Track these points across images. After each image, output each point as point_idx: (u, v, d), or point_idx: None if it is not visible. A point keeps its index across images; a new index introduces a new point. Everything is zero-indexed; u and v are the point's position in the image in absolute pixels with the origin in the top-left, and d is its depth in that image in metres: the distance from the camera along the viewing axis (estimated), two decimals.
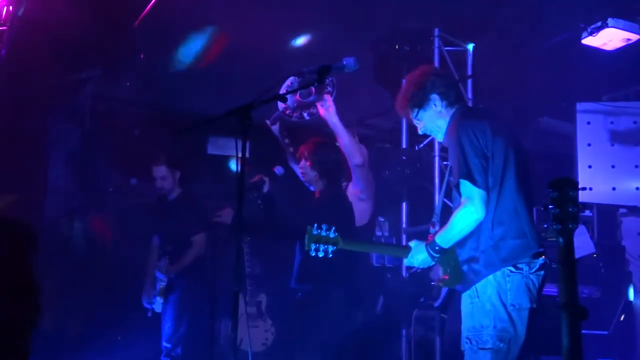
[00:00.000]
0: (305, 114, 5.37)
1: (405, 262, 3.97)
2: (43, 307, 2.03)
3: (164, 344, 6.57)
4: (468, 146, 3.63)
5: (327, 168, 5.31)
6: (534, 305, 3.61)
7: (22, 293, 1.95)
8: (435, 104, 3.93)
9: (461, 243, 3.74)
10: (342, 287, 5.06)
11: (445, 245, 3.75)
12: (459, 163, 3.64)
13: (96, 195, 8.12)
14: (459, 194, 3.68)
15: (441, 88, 3.94)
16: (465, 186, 3.61)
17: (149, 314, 6.75)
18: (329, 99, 5.23)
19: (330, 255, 3.90)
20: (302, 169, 5.34)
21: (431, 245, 3.79)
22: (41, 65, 6.85)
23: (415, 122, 4.06)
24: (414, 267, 3.99)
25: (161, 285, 6.58)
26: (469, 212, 3.60)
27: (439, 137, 4.01)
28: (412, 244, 3.91)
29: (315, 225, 3.87)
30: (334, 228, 3.89)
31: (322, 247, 3.86)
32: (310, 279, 5.13)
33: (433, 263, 3.89)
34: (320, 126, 5.52)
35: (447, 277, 3.85)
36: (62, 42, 6.66)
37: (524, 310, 3.59)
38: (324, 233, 3.87)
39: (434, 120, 3.97)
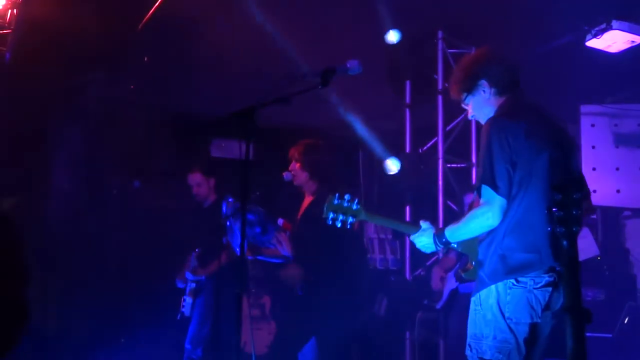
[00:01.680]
0: None
1: (410, 237, 3.90)
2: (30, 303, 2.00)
3: (186, 345, 6.61)
4: (497, 150, 3.49)
5: (319, 168, 5.27)
6: (537, 321, 3.48)
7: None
8: (484, 90, 3.78)
9: (479, 244, 3.67)
10: (334, 288, 5.05)
11: (452, 240, 3.70)
12: (484, 166, 3.52)
13: (99, 197, 8.13)
14: (479, 196, 3.57)
15: (493, 74, 3.78)
16: (486, 191, 3.50)
17: (178, 317, 6.79)
18: None
19: (349, 227, 3.86)
20: (293, 171, 5.28)
21: (439, 235, 3.73)
22: (45, 68, 6.86)
23: (463, 106, 3.92)
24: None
25: (191, 286, 6.66)
26: (485, 216, 3.50)
27: None
28: (423, 225, 3.82)
29: (337, 194, 3.84)
30: (357, 200, 3.85)
31: (340, 217, 3.82)
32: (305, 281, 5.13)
33: (434, 250, 3.82)
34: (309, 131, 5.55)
35: (471, 267, 3.79)
36: (66, 45, 6.67)
37: (523, 325, 3.47)
38: (345, 204, 3.83)
39: (481, 107, 3.82)
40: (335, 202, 3.84)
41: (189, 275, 6.68)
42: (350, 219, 3.84)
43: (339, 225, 3.84)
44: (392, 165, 7.65)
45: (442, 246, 3.76)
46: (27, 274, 2.00)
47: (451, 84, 3.96)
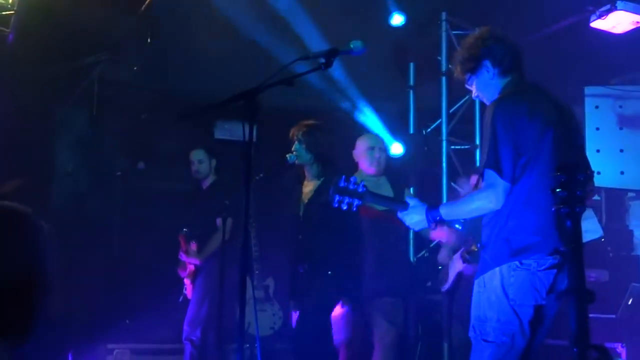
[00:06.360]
0: None
1: (399, 214, 3.81)
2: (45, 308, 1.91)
3: (185, 326, 6.63)
4: (501, 133, 3.43)
5: (321, 149, 5.23)
6: (542, 303, 3.44)
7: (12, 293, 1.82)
8: (487, 71, 3.73)
9: (482, 228, 3.63)
10: (339, 265, 5.06)
11: (447, 218, 3.64)
12: (488, 150, 3.47)
13: (103, 179, 8.14)
14: (483, 179, 3.51)
15: (496, 54, 3.72)
16: (490, 175, 3.44)
17: (180, 299, 6.82)
18: None
19: (355, 209, 3.79)
20: (296, 151, 5.22)
21: (432, 212, 3.66)
22: (48, 50, 6.85)
23: (467, 86, 3.87)
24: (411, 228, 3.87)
25: (190, 269, 6.72)
26: (488, 199, 3.46)
27: None
28: (411, 202, 3.77)
29: (343, 177, 3.77)
30: (363, 182, 3.80)
31: (347, 200, 3.75)
32: (308, 258, 5.14)
33: (425, 227, 3.77)
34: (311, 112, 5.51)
35: (475, 249, 3.75)
36: (69, 27, 6.66)
37: (527, 307, 3.43)
38: (351, 186, 3.76)
39: (484, 88, 3.77)
40: (342, 184, 3.76)
41: (182, 257, 6.73)
42: (356, 202, 3.78)
43: (344, 208, 3.76)
44: (397, 148, 7.66)
45: (433, 222, 3.68)
46: (46, 284, 1.89)
47: (455, 64, 3.92)
